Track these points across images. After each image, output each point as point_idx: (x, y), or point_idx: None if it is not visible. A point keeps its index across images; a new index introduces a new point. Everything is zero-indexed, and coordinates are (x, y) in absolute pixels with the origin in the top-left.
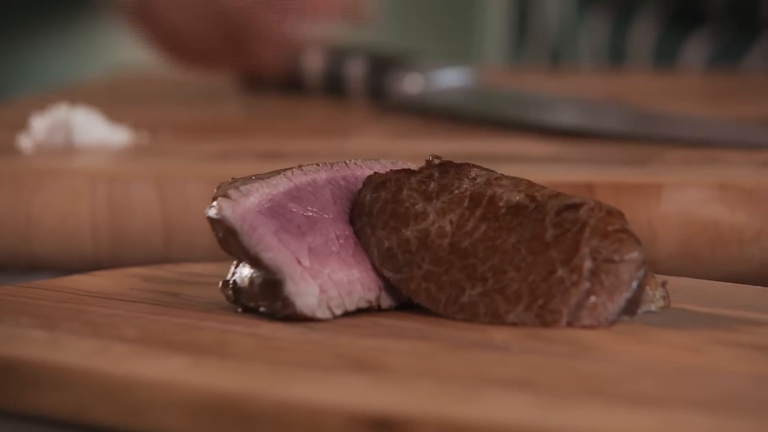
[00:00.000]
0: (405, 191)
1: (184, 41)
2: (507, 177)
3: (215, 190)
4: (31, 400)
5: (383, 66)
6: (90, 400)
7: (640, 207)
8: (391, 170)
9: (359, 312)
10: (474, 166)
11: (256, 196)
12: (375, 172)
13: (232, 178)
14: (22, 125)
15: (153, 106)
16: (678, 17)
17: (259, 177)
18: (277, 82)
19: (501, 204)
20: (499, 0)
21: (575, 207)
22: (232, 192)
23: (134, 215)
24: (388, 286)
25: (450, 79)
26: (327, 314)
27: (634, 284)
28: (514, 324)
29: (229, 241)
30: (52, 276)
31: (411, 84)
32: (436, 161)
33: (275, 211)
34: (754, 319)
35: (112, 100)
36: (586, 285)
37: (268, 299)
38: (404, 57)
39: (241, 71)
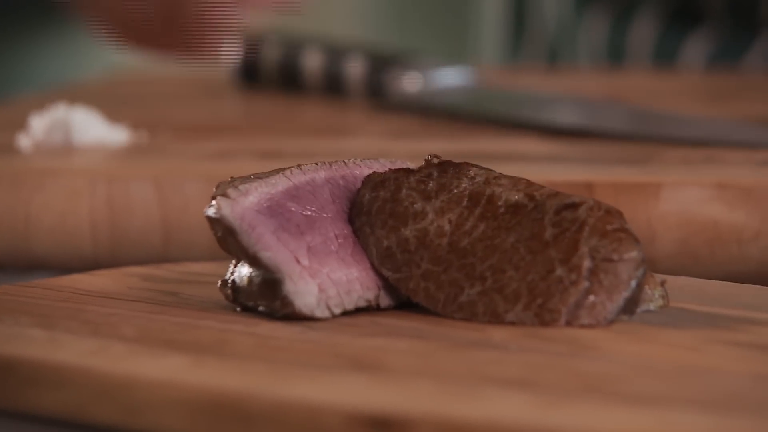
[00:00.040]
0: (404, 190)
1: (127, 21)
2: (506, 176)
3: (214, 190)
4: (30, 399)
5: (382, 65)
6: (89, 399)
7: (639, 206)
8: (389, 169)
9: (358, 311)
10: (473, 165)
11: (255, 196)
12: (374, 172)
13: (231, 178)
14: (21, 125)
15: (152, 106)
16: (678, 16)
17: (258, 176)
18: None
19: (500, 203)
20: None
21: (574, 206)
22: (231, 191)
23: (133, 214)
24: (387, 285)
25: (449, 78)
26: (326, 313)
27: (633, 283)
28: (512, 323)
29: (228, 240)
30: (51, 275)
31: (410, 83)
32: (435, 160)
33: (274, 210)
34: (752, 319)
35: (111, 100)
36: (585, 284)
37: (267, 298)
38: (403, 56)
39: (178, 54)
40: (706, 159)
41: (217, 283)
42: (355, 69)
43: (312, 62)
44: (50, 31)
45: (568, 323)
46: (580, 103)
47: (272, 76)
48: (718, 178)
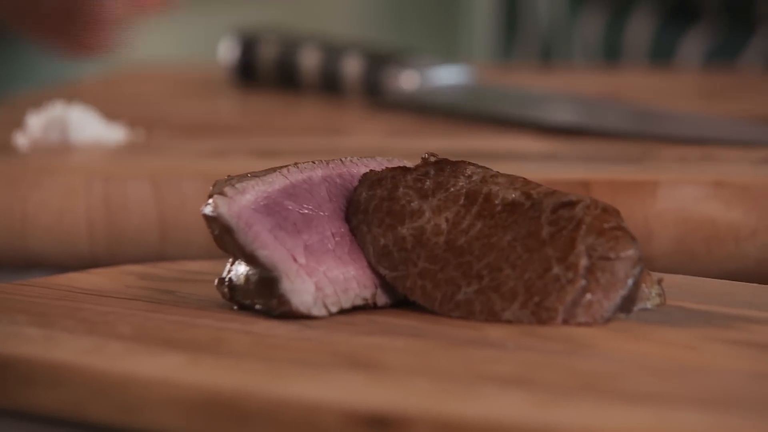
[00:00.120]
0: (401, 189)
1: (23, 12)
2: (503, 175)
3: (211, 188)
4: (26, 397)
5: (379, 63)
6: (86, 397)
7: (636, 204)
8: (386, 168)
9: (355, 309)
10: (470, 163)
11: (251, 194)
12: (371, 170)
13: (228, 176)
14: (18, 123)
15: (149, 104)
16: (674, 13)
17: (255, 174)
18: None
19: (497, 202)
20: None
21: (571, 204)
22: (227, 189)
23: (130, 213)
24: (384, 283)
25: (446, 76)
26: (323, 312)
27: (630, 282)
28: (509, 321)
29: (225, 239)
30: (48, 273)
31: (407, 81)
32: (432, 159)
33: (271, 208)
34: (749, 317)
35: (108, 98)
36: (582, 282)
37: (263, 297)
38: (400, 54)
39: (69, 48)
40: (702, 157)
41: (214, 281)
42: (352, 67)
43: (309, 60)
44: None
45: (565, 321)
46: (577, 102)
47: (269, 74)
48: (715, 176)
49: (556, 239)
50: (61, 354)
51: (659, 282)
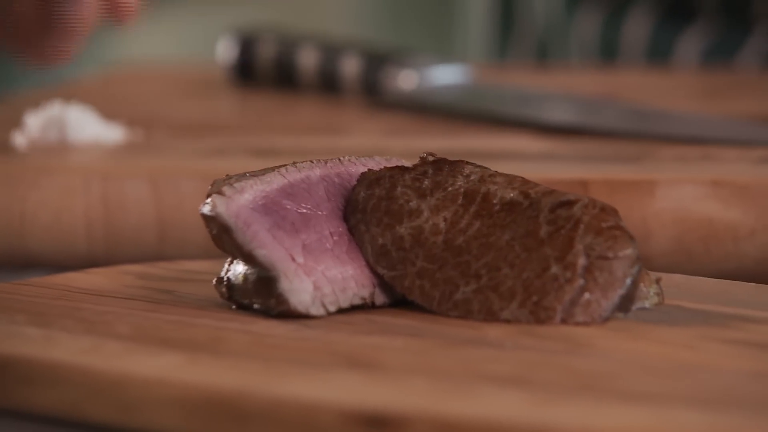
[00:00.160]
0: (399, 188)
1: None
2: (501, 174)
3: (209, 187)
4: (25, 397)
5: (377, 63)
6: (84, 397)
7: (634, 204)
8: (385, 167)
9: (353, 309)
10: (468, 163)
11: (250, 193)
12: (369, 169)
13: (226, 175)
14: (16, 122)
15: (147, 104)
16: (671, 13)
17: (253, 174)
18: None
19: (495, 201)
20: None
21: (569, 204)
22: (226, 189)
23: (128, 212)
24: (382, 283)
25: (444, 76)
26: (321, 311)
27: (628, 281)
28: (508, 321)
29: (223, 238)
30: (46, 273)
31: (405, 81)
32: (430, 158)
33: (269, 208)
34: (747, 316)
35: (106, 98)
36: (580, 282)
37: (262, 296)
38: (399, 54)
39: (36, 56)
40: (701, 156)
41: (212, 281)
42: (350, 67)
43: (307, 60)
44: None
45: (563, 321)
46: (575, 101)
47: (267, 73)
48: (713, 175)
49: (555, 238)
50: (60, 354)
51: (657, 281)
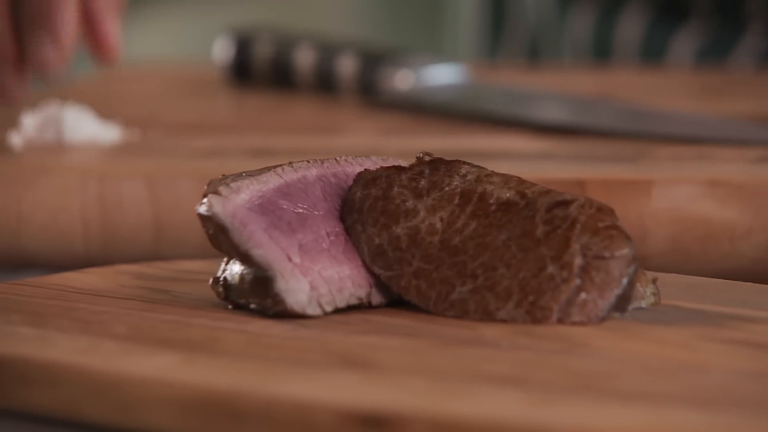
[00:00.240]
0: (395, 188)
1: None
2: (497, 174)
3: (205, 187)
4: (21, 397)
5: (374, 63)
6: (80, 397)
7: (631, 203)
8: (381, 167)
9: (350, 309)
10: (464, 163)
11: (246, 193)
12: (365, 169)
13: (223, 175)
14: (12, 122)
15: (144, 104)
16: (665, 12)
17: (250, 174)
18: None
19: (491, 201)
20: None
21: (566, 204)
22: (222, 189)
23: (125, 212)
24: (379, 283)
25: (441, 75)
26: (317, 311)
27: (625, 281)
28: (504, 321)
29: (220, 238)
30: (43, 273)
31: (402, 81)
32: (427, 158)
33: (266, 207)
34: (744, 316)
35: (102, 98)
36: (577, 282)
37: (258, 296)
38: (395, 53)
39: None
40: (697, 156)
41: (208, 280)
42: (346, 66)
43: (304, 60)
44: None
45: (560, 321)
46: (571, 101)
47: (264, 73)
48: (709, 175)
49: (551, 238)
50: (56, 354)
51: (654, 281)
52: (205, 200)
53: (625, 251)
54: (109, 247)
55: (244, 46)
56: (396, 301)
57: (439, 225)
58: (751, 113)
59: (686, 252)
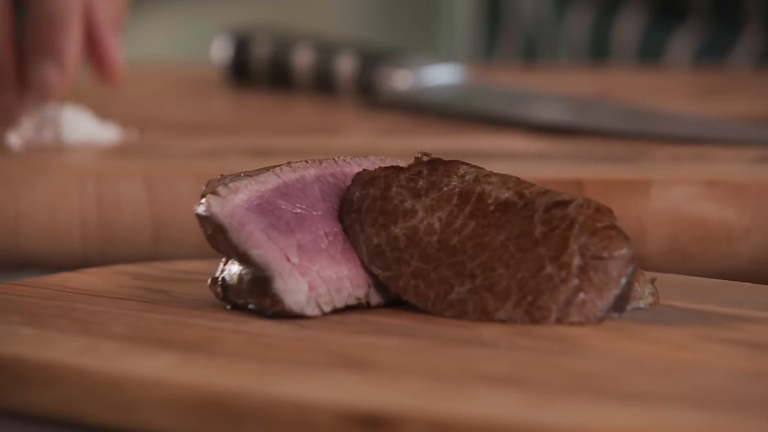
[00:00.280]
0: (394, 188)
1: None
2: (496, 174)
3: (204, 187)
4: (19, 397)
5: (372, 63)
6: (79, 397)
7: (629, 204)
8: (379, 167)
9: (348, 309)
10: (463, 163)
11: (244, 193)
12: (364, 169)
13: (221, 175)
14: (10, 122)
15: (142, 104)
16: (662, 12)
17: (248, 174)
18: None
19: (490, 201)
20: None
21: (564, 204)
22: (220, 189)
23: (123, 212)
24: (377, 283)
25: (439, 76)
26: (316, 311)
27: (623, 281)
28: (502, 321)
29: (218, 238)
30: (41, 273)
31: (400, 81)
32: (425, 158)
33: (264, 208)
34: (742, 316)
35: (100, 98)
36: (575, 282)
37: (257, 296)
38: (394, 54)
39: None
40: (695, 156)
41: (207, 281)
42: (345, 66)
43: (302, 60)
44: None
45: (558, 321)
46: (569, 101)
47: (262, 73)
48: (707, 175)
49: (549, 238)
50: (55, 354)
51: (652, 281)
52: (203, 200)
53: (624, 251)
54: (107, 247)
55: (242, 46)
56: (394, 302)
57: (437, 225)
58: (749, 113)
59: (684, 252)
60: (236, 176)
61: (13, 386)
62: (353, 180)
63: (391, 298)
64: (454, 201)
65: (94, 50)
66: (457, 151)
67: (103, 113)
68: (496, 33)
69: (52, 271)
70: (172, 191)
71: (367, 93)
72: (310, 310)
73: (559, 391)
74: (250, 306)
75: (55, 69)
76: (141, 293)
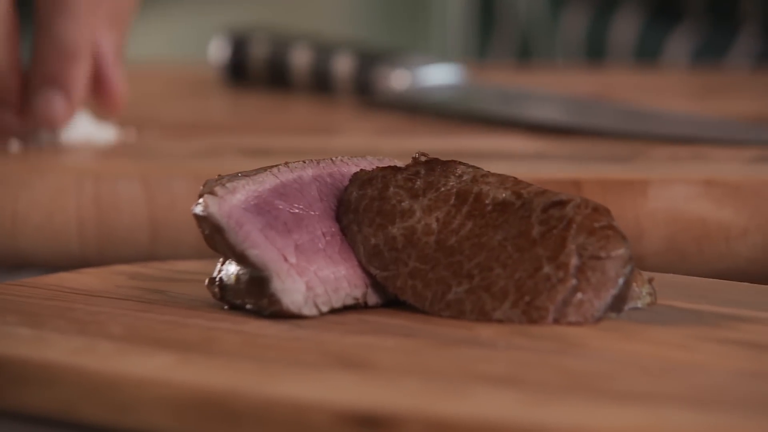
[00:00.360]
0: (391, 188)
1: None
2: (493, 174)
3: (201, 187)
4: (17, 398)
5: (370, 62)
6: (76, 397)
7: (627, 204)
8: (377, 167)
9: (346, 309)
10: (460, 163)
11: (242, 193)
12: (361, 169)
13: (219, 175)
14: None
15: (139, 104)
16: (659, 12)
17: (246, 174)
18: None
19: (487, 201)
20: None
21: (561, 204)
22: (218, 189)
23: (120, 212)
24: (375, 283)
25: (437, 76)
26: (313, 311)
27: (621, 281)
28: (500, 321)
29: (216, 238)
30: (38, 273)
31: (398, 81)
32: (423, 158)
33: (261, 208)
34: (740, 316)
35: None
36: (573, 282)
37: (254, 296)
38: (391, 54)
39: None
40: (693, 156)
41: (204, 281)
42: (343, 66)
43: (300, 60)
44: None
45: (556, 321)
46: (567, 101)
47: (260, 73)
48: (705, 175)
49: (547, 238)
50: (52, 354)
51: (650, 281)
52: (200, 200)
53: (621, 251)
54: (104, 247)
55: (240, 46)
56: (392, 302)
57: (435, 225)
58: (747, 113)
59: (682, 252)
60: (234, 176)
61: (11, 386)
62: (351, 180)
63: (389, 298)
64: (452, 201)
65: (97, 81)
66: (455, 151)
67: (100, 113)
68: (490, 32)
69: (50, 271)
70: (170, 191)
71: (365, 93)
72: (308, 310)
73: (556, 391)
74: (248, 306)
75: (62, 101)
76: (138, 293)
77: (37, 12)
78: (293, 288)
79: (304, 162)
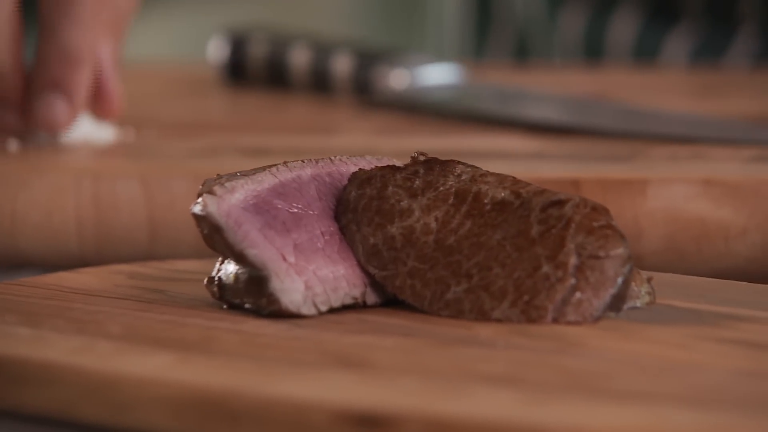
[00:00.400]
0: (390, 188)
1: None
2: (492, 174)
3: (200, 187)
4: (16, 397)
5: (369, 62)
6: (75, 397)
7: (626, 203)
8: (376, 167)
9: (345, 308)
10: (459, 162)
11: (241, 193)
12: (360, 169)
13: (217, 175)
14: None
15: (138, 104)
16: (658, 12)
17: (244, 173)
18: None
19: (486, 201)
20: None
21: (560, 203)
22: (217, 188)
23: (119, 212)
24: (374, 282)
25: (436, 75)
26: (312, 311)
27: (620, 280)
28: (499, 320)
29: (214, 238)
30: (37, 273)
31: (397, 80)
32: (422, 158)
33: (260, 207)
34: (739, 315)
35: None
36: (572, 281)
37: (253, 296)
38: (390, 53)
39: None
40: (692, 155)
41: (203, 280)
42: (342, 66)
43: (299, 59)
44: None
45: (555, 320)
46: (566, 101)
47: (259, 73)
48: (704, 174)
49: (546, 238)
50: (51, 353)
51: (649, 280)
52: (199, 200)
53: (620, 251)
54: (103, 246)
55: (238, 45)
56: (391, 301)
57: (433, 225)
58: (746, 113)
59: (681, 251)
60: (233, 176)
61: (10, 386)
62: (350, 179)
63: (388, 298)
64: (451, 200)
65: (96, 88)
66: (454, 151)
67: (99, 113)
68: (487, 32)
69: (49, 270)
70: (169, 191)
71: (364, 92)
72: (307, 310)
73: (555, 391)
74: (247, 305)
75: (64, 105)
76: (137, 293)
77: (42, 16)
78: (292, 287)
79: (303, 161)
